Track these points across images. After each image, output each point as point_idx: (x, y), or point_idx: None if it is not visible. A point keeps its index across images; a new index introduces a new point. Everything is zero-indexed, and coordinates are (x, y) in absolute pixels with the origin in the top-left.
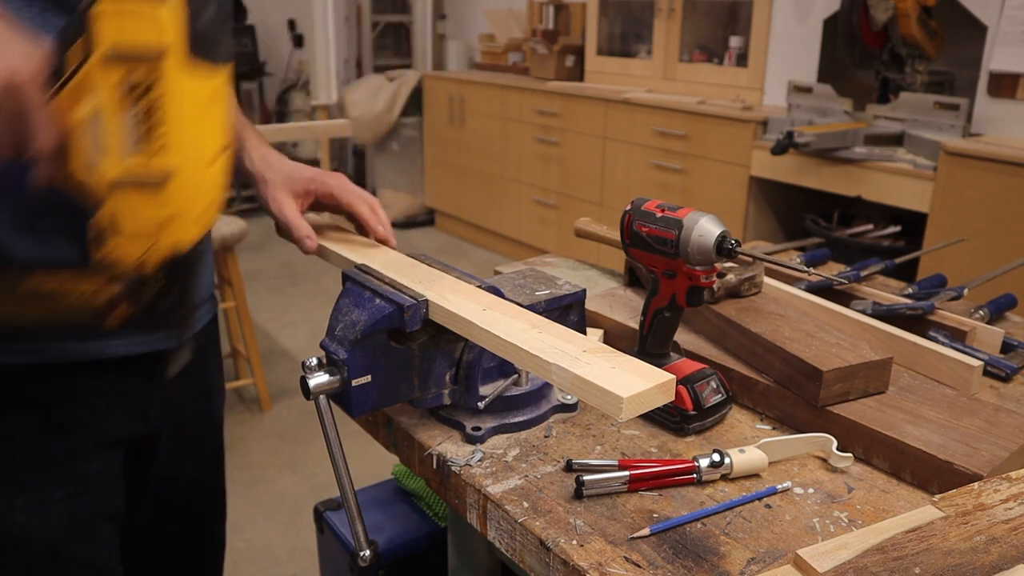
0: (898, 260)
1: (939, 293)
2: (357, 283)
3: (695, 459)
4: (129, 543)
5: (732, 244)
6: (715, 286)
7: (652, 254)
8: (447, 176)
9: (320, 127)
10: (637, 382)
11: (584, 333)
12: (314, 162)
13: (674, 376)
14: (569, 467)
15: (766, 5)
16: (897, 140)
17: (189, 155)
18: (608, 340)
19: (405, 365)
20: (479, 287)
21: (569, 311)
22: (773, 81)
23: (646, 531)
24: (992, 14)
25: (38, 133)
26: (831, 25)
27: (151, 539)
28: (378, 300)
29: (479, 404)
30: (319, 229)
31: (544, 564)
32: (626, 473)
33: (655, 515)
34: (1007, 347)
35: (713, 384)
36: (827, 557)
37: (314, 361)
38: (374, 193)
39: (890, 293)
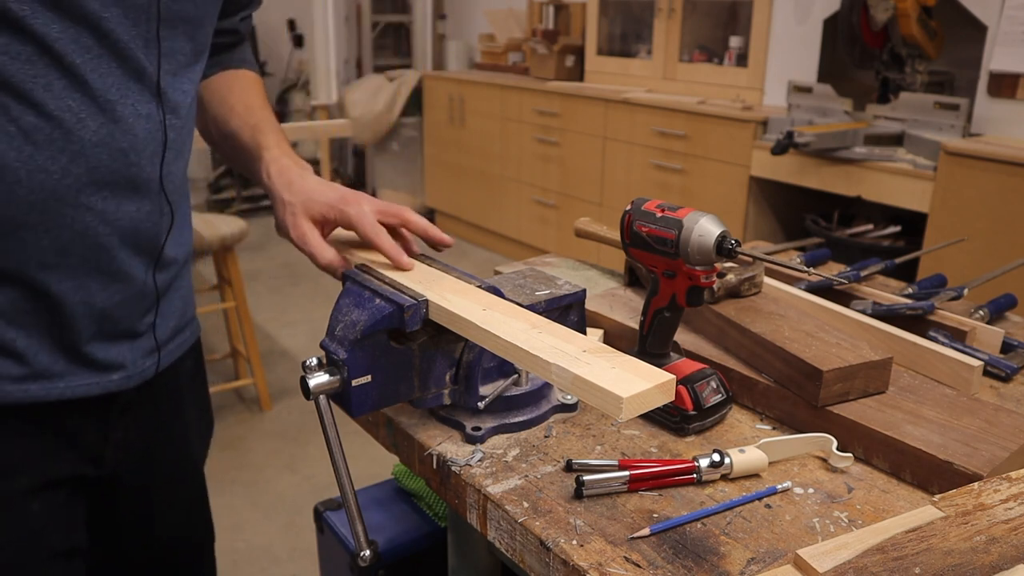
0: (898, 260)
1: (939, 293)
2: (357, 283)
3: (695, 459)
4: None
5: (732, 244)
6: (715, 286)
7: (652, 254)
8: (447, 176)
9: (320, 127)
10: (637, 382)
11: (584, 333)
12: (314, 162)
13: (674, 376)
14: (569, 467)
15: (766, 5)
16: (897, 140)
17: None
18: (608, 340)
19: (405, 365)
20: (479, 287)
21: (569, 311)
22: (773, 81)
23: (646, 531)
24: (992, 14)
25: None
26: (831, 25)
27: None
28: (378, 300)
29: (479, 404)
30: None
31: (544, 564)
32: (626, 473)
33: (655, 515)
34: (1007, 347)
35: (713, 384)
36: (827, 557)
37: (314, 361)
38: (374, 194)
39: (890, 293)
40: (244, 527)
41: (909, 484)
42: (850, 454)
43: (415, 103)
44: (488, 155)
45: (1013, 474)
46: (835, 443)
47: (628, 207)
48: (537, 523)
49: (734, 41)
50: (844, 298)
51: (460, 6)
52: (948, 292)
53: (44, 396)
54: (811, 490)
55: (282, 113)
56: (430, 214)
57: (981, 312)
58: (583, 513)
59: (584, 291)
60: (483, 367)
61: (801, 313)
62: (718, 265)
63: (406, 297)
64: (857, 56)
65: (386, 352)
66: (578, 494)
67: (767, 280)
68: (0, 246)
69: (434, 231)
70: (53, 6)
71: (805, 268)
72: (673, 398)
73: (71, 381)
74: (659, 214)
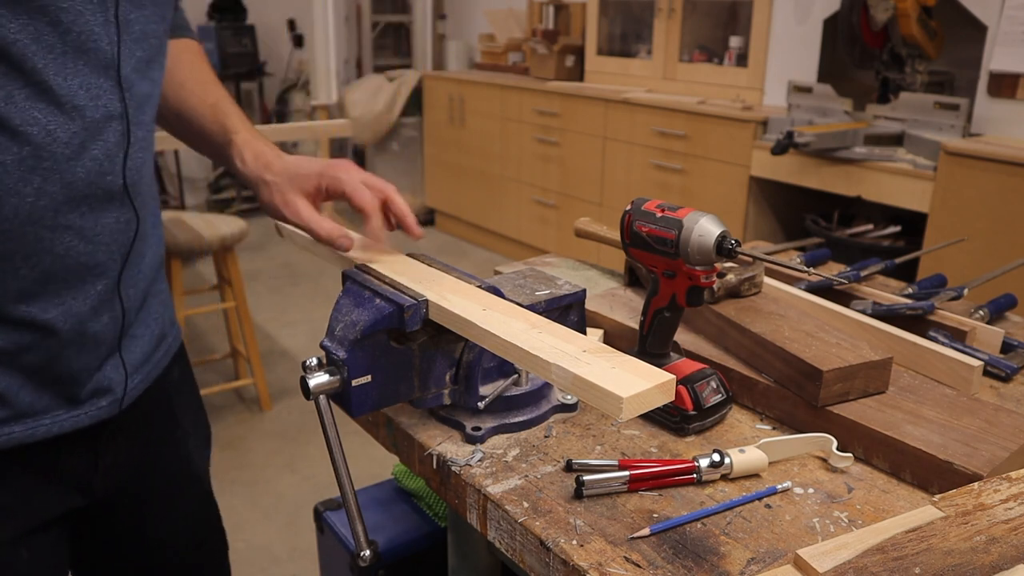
0: (898, 260)
1: (939, 293)
2: (357, 283)
3: (695, 459)
4: None
5: (732, 244)
6: (715, 286)
7: (652, 254)
8: (447, 176)
9: (320, 127)
10: (637, 382)
11: (584, 333)
12: None
13: (674, 376)
14: (569, 467)
15: (766, 5)
16: (897, 140)
17: None
18: (608, 340)
19: (405, 365)
20: (479, 287)
21: (569, 311)
22: (773, 81)
23: (646, 531)
24: (992, 14)
25: None
26: (831, 25)
27: None
28: (378, 300)
29: (479, 404)
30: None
31: (544, 564)
32: (626, 473)
33: (655, 515)
34: (1007, 347)
35: (713, 384)
36: (827, 557)
37: (314, 361)
38: None
39: (890, 293)
40: (244, 527)
41: (909, 484)
42: (850, 454)
43: (415, 103)
44: (488, 155)
45: (1013, 474)
46: (835, 443)
47: (628, 207)
48: (537, 523)
49: (734, 41)
50: (844, 298)
51: (460, 6)
52: (948, 292)
53: (28, 437)
54: (811, 490)
55: (282, 113)
56: (430, 214)
57: (981, 312)
58: (583, 513)
59: (584, 291)
60: (483, 367)
61: (801, 313)
62: (718, 265)
63: (406, 297)
64: (857, 56)
65: (386, 352)
66: (578, 494)
67: (767, 280)
68: None
69: (410, 220)
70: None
71: (805, 268)
72: (673, 398)
73: (57, 417)
74: (659, 214)
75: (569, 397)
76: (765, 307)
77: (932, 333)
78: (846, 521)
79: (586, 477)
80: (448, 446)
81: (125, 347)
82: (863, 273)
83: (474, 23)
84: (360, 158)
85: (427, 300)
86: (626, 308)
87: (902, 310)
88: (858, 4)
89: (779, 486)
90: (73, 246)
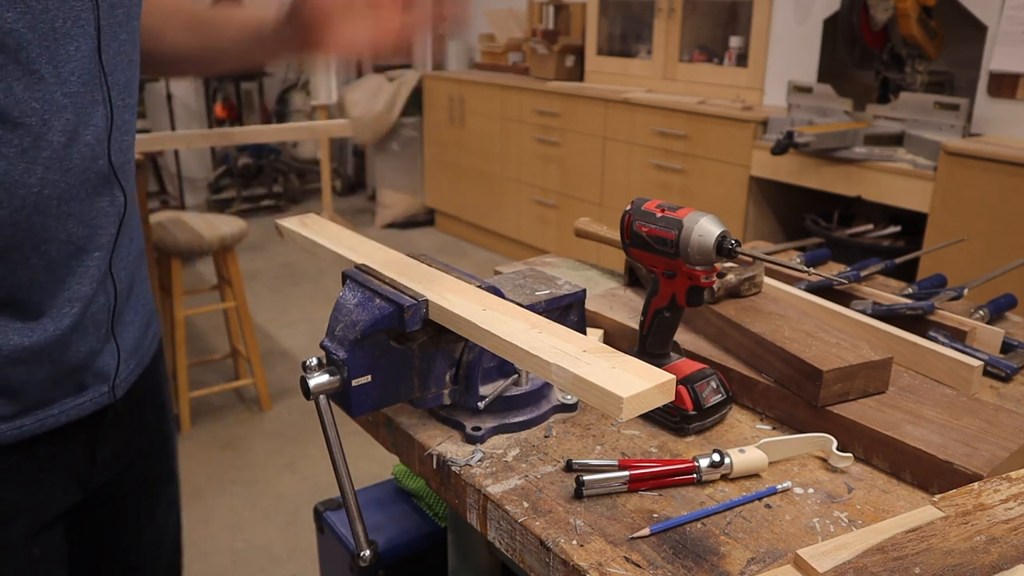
0: (898, 260)
1: (939, 293)
2: (357, 283)
3: (695, 459)
4: None
5: (732, 244)
6: (715, 286)
7: (652, 254)
8: (447, 176)
9: (320, 127)
10: (637, 382)
11: (584, 333)
12: (314, 162)
13: (674, 376)
14: (569, 467)
15: (766, 5)
16: (897, 140)
17: None
18: (608, 340)
19: (405, 365)
20: (479, 287)
21: (569, 311)
22: (773, 81)
23: (646, 531)
24: (992, 14)
25: None
26: (831, 25)
27: None
28: (378, 300)
29: (479, 404)
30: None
31: (544, 564)
32: (626, 473)
33: (655, 515)
34: (1007, 347)
35: (713, 384)
36: (827, 557)
37: (314, 361)
38: (374, 194)
39: (890, 293)
40: (244, 527)
41: (909, 484)
42: (850, 454)
43: (415, 103)
44: (488, 155)
45: (1013, 474)
46: (835, 443)
47: (628, 207)
48: (537, 523)
49: (734, 41)
50: (844, 298)
51: None
52: (948, 292)
53: (39, 428)
54: (811, 490)
55: (282, 113)
56: (430, 214)
57: (981, 312)
58: (583, 513)
59: (584, 291)
60: (483, 367)
61: (801, 313)
62: (718, 265)
63: (406, 297)
64: (857, 56)
65: (386, 352)
66: (578, 494)
67: (767, 280)
68: None
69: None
70: None
71: (805, 268)
72: (673, 398)
73: (64, 405)
74: (659, 214)
75: (569, 397)
76: (765, 307)
77: (932, 333)
78: (846, 521)
79: (586, 477)
80: (448, 446)
81: (118, 332)
82: (863, 273)
83: (474, 23)
84: (360, 158)
85: (427, 300)
86: (626, 308)
87: (902, 310)
88: (858, 4)
89: (779, 486)
90: (75, 231)
